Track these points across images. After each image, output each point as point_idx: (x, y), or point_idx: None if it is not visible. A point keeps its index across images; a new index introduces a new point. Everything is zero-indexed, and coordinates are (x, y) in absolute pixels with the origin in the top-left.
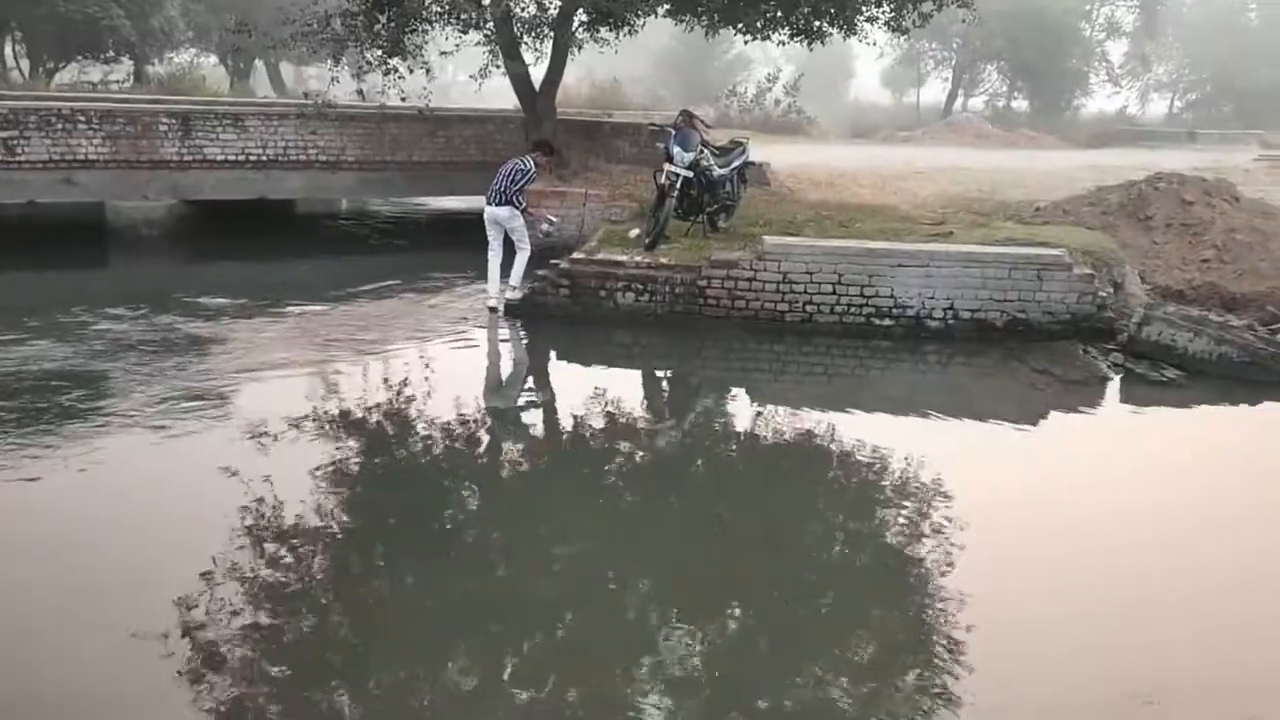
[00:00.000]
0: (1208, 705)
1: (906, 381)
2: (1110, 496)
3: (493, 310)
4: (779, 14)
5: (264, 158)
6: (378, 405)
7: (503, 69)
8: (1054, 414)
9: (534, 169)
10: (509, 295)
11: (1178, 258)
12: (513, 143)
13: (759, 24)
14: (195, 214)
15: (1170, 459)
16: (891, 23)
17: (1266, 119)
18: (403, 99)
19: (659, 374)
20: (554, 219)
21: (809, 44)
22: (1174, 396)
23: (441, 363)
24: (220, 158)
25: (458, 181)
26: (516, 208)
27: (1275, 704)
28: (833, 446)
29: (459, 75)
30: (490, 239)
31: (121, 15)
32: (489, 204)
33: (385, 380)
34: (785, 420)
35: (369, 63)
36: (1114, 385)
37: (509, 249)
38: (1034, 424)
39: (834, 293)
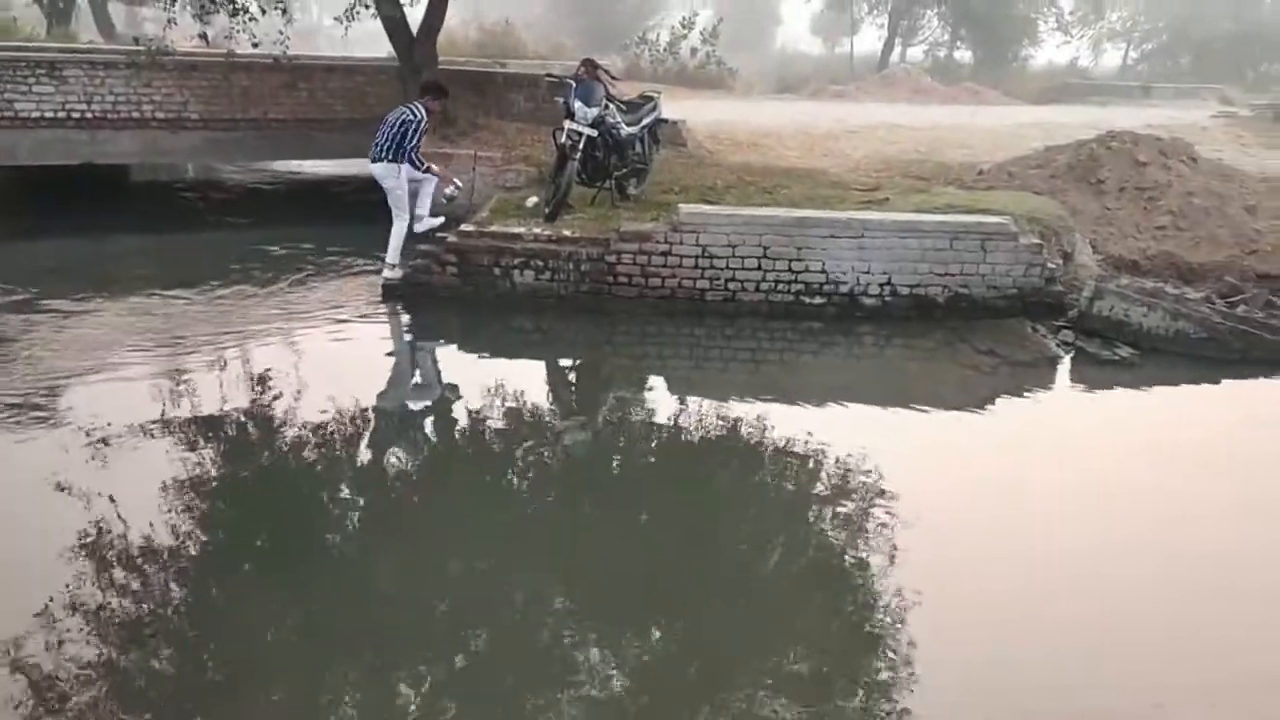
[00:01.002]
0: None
1: (841, 366)
2: (1064, 487)
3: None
4: None
5: (89, 115)
6: (236, 409)
7: (374, 10)
8: (1001, 399)
9: (424, 117)
10: (385, 274)
11: (1131, 225)
12: (386, 97)
13: None
14: (4, 182)
15: (1126, 446)
16: None
17: (1225, 73)
18: (255, 45)
19: (565, 364)
20: (459, 183)
21: None
22: (1128, 377)
23: (310, 357)
24: (35, 115)
25: (323, 143)
26: (413, 165)
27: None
28: (762, 441)
29: (323, 18)
30: None
31: None
32: (371, 160)
33: (244, 379)
34: (709, 413)
35: (213, 1)
36: (1064, 366)
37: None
38: (980, 410)
39: (759, 268)
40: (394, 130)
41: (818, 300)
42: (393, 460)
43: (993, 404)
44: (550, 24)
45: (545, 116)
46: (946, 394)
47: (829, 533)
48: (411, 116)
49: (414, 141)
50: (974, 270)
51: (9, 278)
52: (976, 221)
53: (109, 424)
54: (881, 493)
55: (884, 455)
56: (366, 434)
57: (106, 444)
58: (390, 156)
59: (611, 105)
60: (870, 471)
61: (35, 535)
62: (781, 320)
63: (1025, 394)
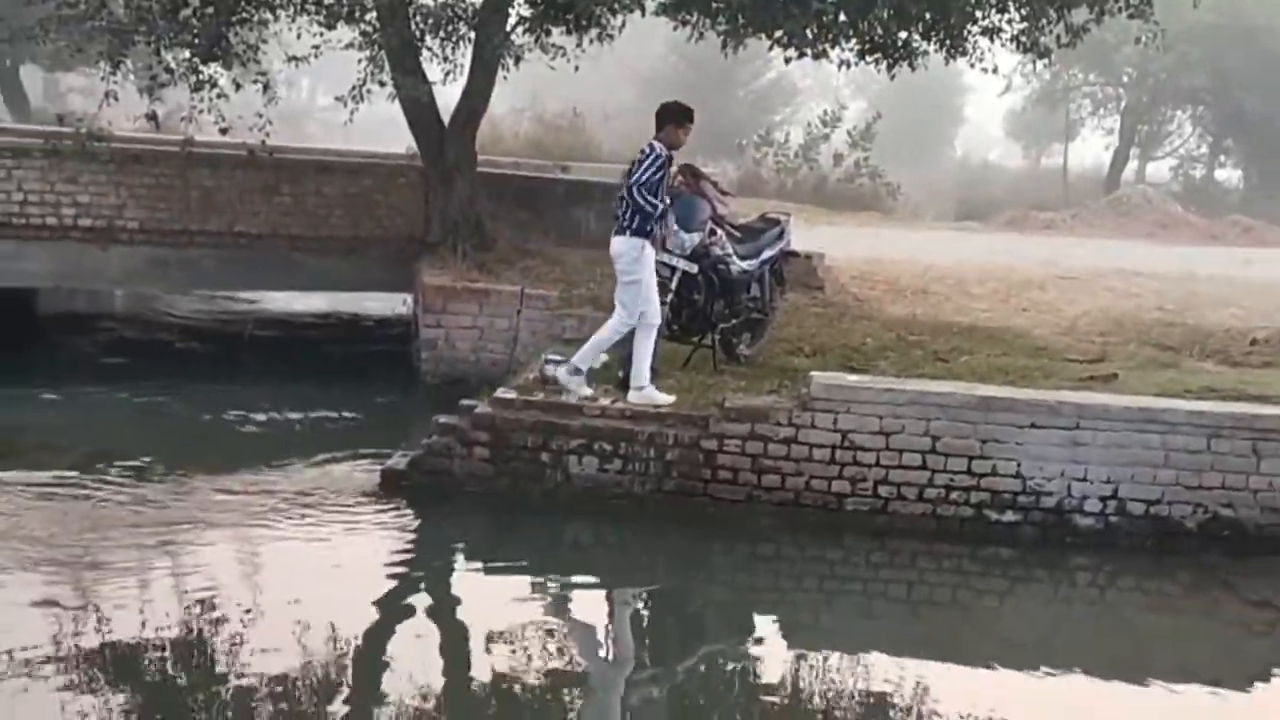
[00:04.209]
0: None
1: (1042, 615)
2: None
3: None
4: (841, 18)
5: None
6: (159, 647)
7: (391, 89)
8: None
9: (662, 155)
10: (563, 376)
11: None
12: (405, 208)
13: (810, 32)
14: None
15: None
16: (1023, 39)
17: None
18: (223, 130)
19: (636, 594)
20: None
21: (890, 67)
22: None
23: (272, 574)
24: None
25: (311, 270)
26: (643, 212)
27: None
28: None
29: (317, 96)
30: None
31: None
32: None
33: (174, 601)
34: (843, 675)
35: (169, 70)
36: None
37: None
38: (1249, 688)
39: (924, 466)
40: (629, 186)
41: (1009, 517)
42: None
43: (1269, 680)
44: (636, 116)
45: None
46: (1200, 662)
47: None
48: (647, 153)
49: (644, 178)
50: (1242, 483)
51: None
52: (1248, 413)
53: (31, 644)
54: None
55: None
56: (342, 694)
57: (14, 672)
58: (632, 226)
59: (719, 230)
60: None
61: None
62: (955, 544)
63: None
